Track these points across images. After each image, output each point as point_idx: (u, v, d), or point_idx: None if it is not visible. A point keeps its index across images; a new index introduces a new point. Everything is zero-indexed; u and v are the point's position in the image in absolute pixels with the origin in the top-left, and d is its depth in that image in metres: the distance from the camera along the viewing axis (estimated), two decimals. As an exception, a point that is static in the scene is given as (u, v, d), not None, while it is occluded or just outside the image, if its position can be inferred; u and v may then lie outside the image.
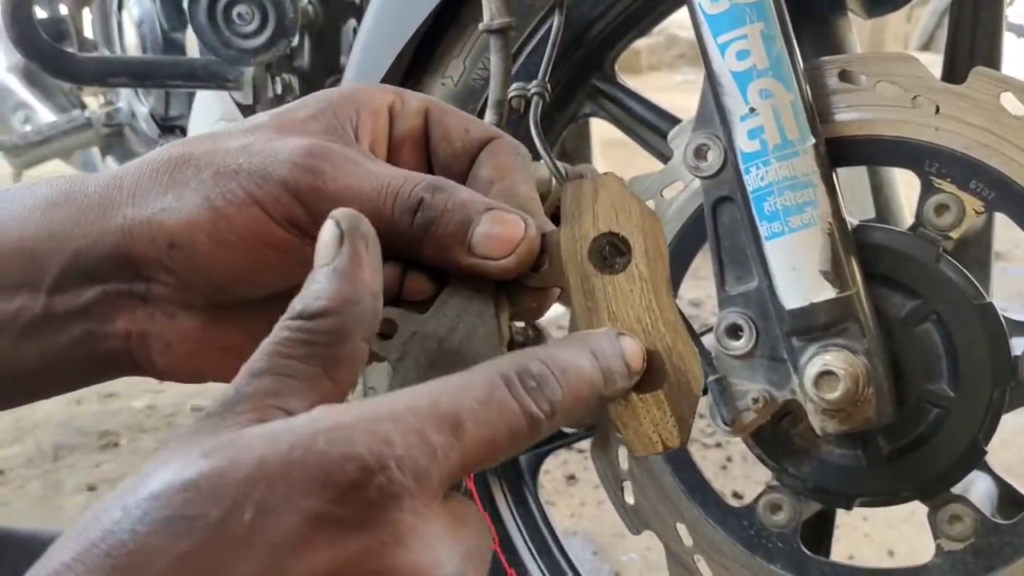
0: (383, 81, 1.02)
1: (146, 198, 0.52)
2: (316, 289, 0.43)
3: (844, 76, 0.82)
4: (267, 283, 0.54)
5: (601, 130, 1.72)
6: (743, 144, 0.79)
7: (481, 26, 0.90)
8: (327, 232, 0.44)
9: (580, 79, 1.03)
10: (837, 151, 0.82)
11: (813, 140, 0.78)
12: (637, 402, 0.51)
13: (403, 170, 0.53)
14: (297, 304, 0.43)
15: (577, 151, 1.60)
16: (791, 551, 0.88)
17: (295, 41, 1.43)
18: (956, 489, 0.83)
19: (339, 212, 0.45)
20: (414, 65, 1.05)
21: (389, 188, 0.51)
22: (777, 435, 0.87)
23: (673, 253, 0.90)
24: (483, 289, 0.53)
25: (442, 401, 0.41)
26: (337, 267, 0.44)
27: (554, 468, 1.99)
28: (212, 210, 0.51)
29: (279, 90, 1.46)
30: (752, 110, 0.78)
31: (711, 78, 0.80)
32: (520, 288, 0.54)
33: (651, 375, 0.51)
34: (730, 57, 0.78)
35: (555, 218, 0.97)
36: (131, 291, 0.54)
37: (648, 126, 1.00)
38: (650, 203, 0.92)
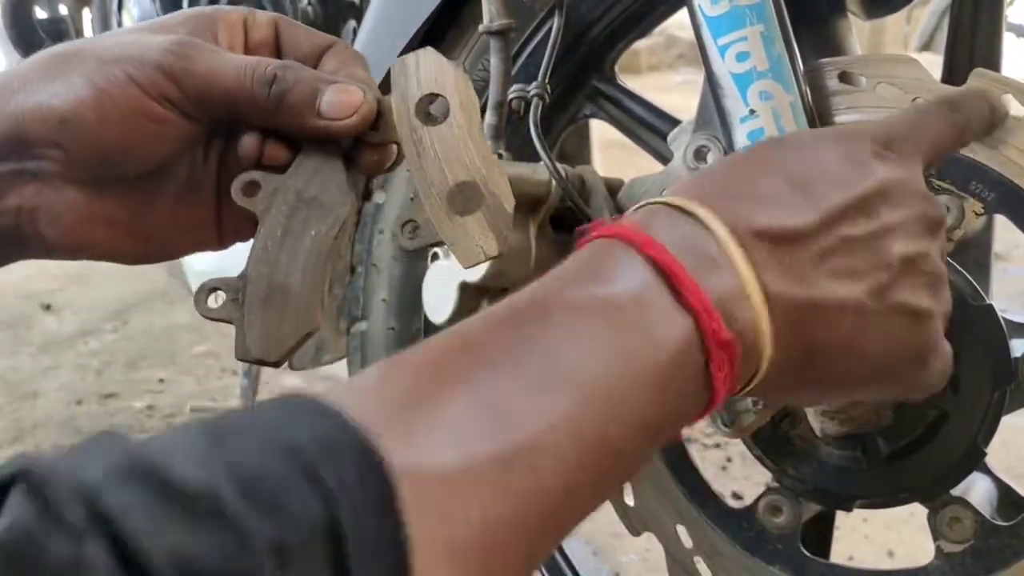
0: (383, 82, 1.02)
1: (36, 86, 0.60)
2: None
3: (844, 78, 0.82)
4: (148, 154, 0.63)
5: (600, 131, 1.72)
6: (743, 146, 0.79)
7: (481, 28, 0.90)
8: None
9: (580, 80, 1.03)
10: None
11: (813, 142, 0.78)
12: (460, 222, 0.63)
13: (258, 57, 0.64)
14: None
15: (577, 152, 1.60)
16: (791, 552, 0.88)
17: (295, 42, 1.43)
18: (956, 491, 0.83)
19: None
20: (414, 66, 1.05)
21: (247, 67, 0.61)
22: (777, 437, 0.87)
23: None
24: (332, 151, 0.65)
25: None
26: None
27: (554, 469, 1.99)
28: (97, 90, 0.59)
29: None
30: (752, 112, 0.78)
31: (711, 80, 0.80)
32: (363, 146, 0.66)
33: (471, 200, 0.63)
34: (730, 59, 0.78)
35: (557, 220, 0.97)
36: (23, 169, 0.61)
37: (648, 127, 1.00)
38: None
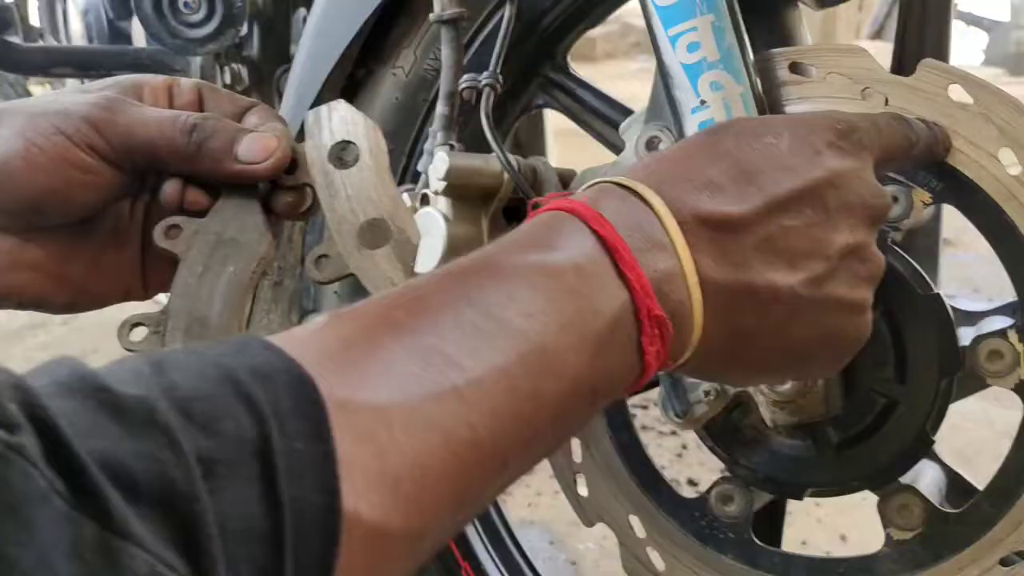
0: (333, 71, 1.01)
1: None
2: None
3: (795, 68, 0.82)
4: (75, 202, 0.65)
5: (555, 120, 1.72)
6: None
7: (432, 16, 0.89)
8: None
9: (532, 70, 1.02)
10: (788, 144, 0.82)
11: (763, 132, 0.78)
12: (369, 255, 0.69)
13: (179, 110, 0.68)
14: None
15: (531, 141, 1.60)
16: (742, 541, 0.88)
17: (244, 30, 1.41)
18: (905, 479, 0.83)
19: None
20: (364, 55, 1.04)
21: (168, 118, 0.66)
22: (728, 427, 0.87)
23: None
24: (250, 195, 0.70)
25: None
26: None
27: (510, 458, 1.99)
28: (25, 140, 0.63)
29: (228, 79, 1.44)
30: (703, 102, 0.78)
31: (662, 70, 0.80)
32: (279, 189, 0.71)
33: (379, 236, 0.69)
34: (681, 49, 0.78)
35: (510, 212, 0.96)
36: None
37: (600, 117, 1.00)
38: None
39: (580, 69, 1.05)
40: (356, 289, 1.07)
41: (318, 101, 1.01)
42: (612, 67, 5.83)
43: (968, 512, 0.81)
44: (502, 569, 1.08)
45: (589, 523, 0.95)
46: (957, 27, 5.43)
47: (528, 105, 1.04)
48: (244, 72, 1.45)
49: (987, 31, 5.50)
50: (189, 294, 0.66)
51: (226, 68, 1.43)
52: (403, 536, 0.42)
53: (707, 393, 0.83)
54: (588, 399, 0.51)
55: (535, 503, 1.88)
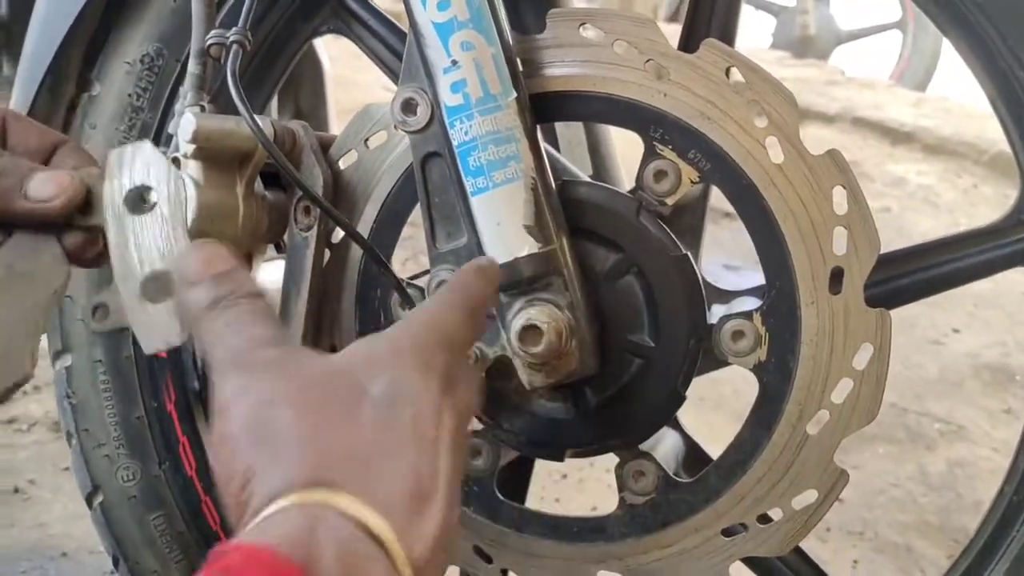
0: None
1: None
2: None
3: (585, 31, 0.82)
4: None
5: (339, 97, 1.69)
6: (447, 98, 0.78)
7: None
8: None
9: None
10: (561, 106, 0.83)
11: (515, 94, 0.77)
12: (151, 309, 0.71)
13: None
14: None
15: (312, 113, 1.56)
16: (486, 495, 0.89)
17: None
18: (645, 445, 0.85)
19: None
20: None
21: None
22: (492, 392, 0.86)
23: (390, 206, 0.89)
24: (46, 231, 0.71)
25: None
26: None
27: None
28: None
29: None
30: (454, 63, 0.77)
31: (414, 29, 0.78)
32: (71, 228, 0.72)
33: (163, 289, 0.70)
34: (431, 7, 0.77)
35: (270, 177, 0.92)
36: None
37: (388, 47, 0.97)
38: (383, 134, 0.89)
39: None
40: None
41: (73, 28, 0.95)
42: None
43: (697, 483, 0.84)
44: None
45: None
46: (747, 11, 5.65)
47: (318, 28, 1.01)
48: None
49: (775, 15, 5.74)
50: None
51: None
52: None
53: (467, 358, 0.82)
54: None
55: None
